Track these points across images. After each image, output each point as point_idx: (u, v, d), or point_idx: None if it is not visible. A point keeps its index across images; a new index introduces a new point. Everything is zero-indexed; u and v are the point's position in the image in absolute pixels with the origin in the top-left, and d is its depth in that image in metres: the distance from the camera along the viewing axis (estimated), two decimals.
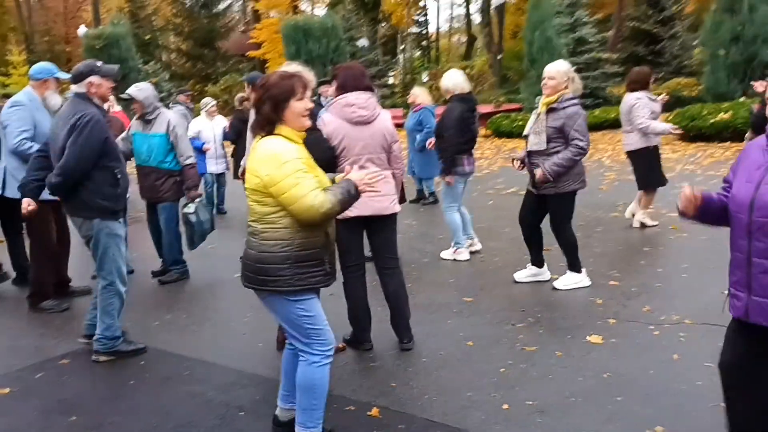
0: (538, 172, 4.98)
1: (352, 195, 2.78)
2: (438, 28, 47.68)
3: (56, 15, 39.43)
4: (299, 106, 2.76)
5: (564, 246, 5.28)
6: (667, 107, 8.57)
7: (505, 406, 3.40)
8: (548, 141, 4.95)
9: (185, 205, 5.77)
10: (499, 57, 30.35)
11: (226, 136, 9.16)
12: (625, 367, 3.77)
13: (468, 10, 42.47)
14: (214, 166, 9.11)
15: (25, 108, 5.13)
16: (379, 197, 3.91)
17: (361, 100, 3.92)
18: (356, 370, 3.98)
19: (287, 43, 21.15)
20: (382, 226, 4.13)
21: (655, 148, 7.10)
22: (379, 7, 35.86)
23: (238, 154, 8.08)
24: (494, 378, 3.75)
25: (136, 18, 32.35)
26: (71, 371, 4.17)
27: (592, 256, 6.04)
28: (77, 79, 4.12)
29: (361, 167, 3.88)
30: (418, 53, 43.68)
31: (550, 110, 4.97)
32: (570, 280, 5.25)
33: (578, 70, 19.46)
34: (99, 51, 21.16)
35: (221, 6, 36.45)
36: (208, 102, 9.45)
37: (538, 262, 5.45)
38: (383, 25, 38.30)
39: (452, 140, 5.98)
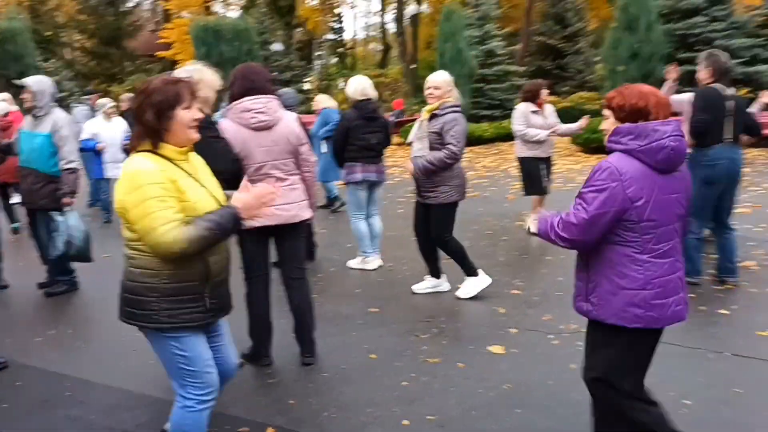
0: (410, 167, 5.09)
1: (225, 228, 2.38)
2: (354, 36, 47.84)
3: None
4: (186, 116, 2.38)
5: (451, 254, 5.29)
6: (569, 119, 8.90)
7: (405, 422, 3.32)
8: (430, 147, 5.01)
9: (59, 213, 5.24)
10: (412, 66, 30.70)
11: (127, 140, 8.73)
12: (525, 378, 3.78)
13: (383, 19, 42.81)
14: (112, 170, 8.61)
15: None
16: (286, 205, 3.76)
17: (258, 105, 3.72)
18: (253, 387, 3.80)
19: (197, 45, 20.51)
20: (289, 234, 3.96)
21: (539, 159, 7.39)
22: (294, 12, 35.55)
23: None
24: (396, 392, 3.67)
25: (36, 13, 30.66)
26: None
27: (497, 265, 6.09)
28: None
29: (265, 175, 3.72)
30: (334, 60, 43.61)
31: (432, 117, 5.06)
32: (471, 287, 5.27)
33: (488, 82, 19.85)
34: None
35: (129, 4, 35.14)
36: (106, 103, 8.99)
37: (435, 272, 5.43)
38: (299, 30, 37.99)
39: (336, 146, 6.17)
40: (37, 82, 5.29)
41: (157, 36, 32.79)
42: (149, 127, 2.37)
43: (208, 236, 2.33)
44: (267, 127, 3.74)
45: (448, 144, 4.91)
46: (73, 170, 5.32)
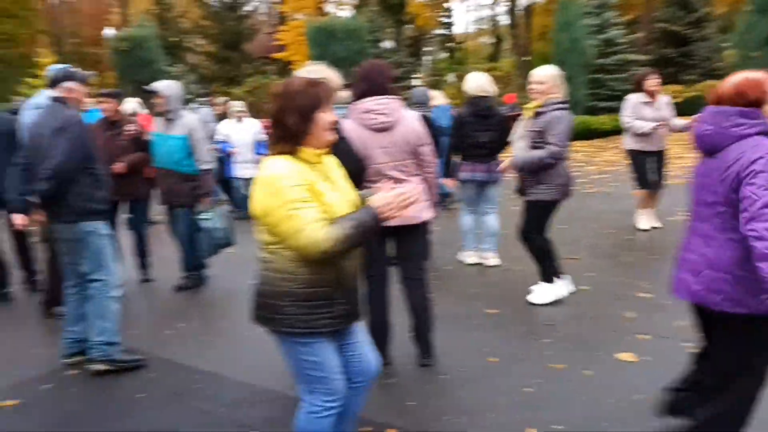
0: (506, 164, 4.92)
1: (368, 227, 2.32)
2: (465, 30, 47.37)
3: (84, 17, 39.89)
4: (326, 118, 2.37)
5: (534, 253, 5.05)
6: (697, 109, 8.33)
7: (531, 430, 3.20)
8: (531, 146, 4.80)
9: (200, 212, 5.59)
10: (526, 59, 30.01)
11: (258, 145, 8.98)
12: (658, 388, 3.53)
13: (494, 11, 42.14)
14: (242, 170, 8.92)
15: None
16: None
17: (379, 106, 3.69)
18: (372, 387, 3.78)
19: (312, 45, 21.04)
20: (410, 234, 3.90)
21: (647, 153, 7.05)
22: (404, 8, 35.67)
23: None
24: (519, 398, 3.54)
25: (163, 20, 32.52)
26: (78, 382, 4.04)
27: (620, 266, 5.80)
28: (53, 84, 4.08)
29: (385, 176, 3.68)
30: (443, 55, 43.40)
31: (536, 114, 4.83)
32: (545, 293, 5.04)
33: (606, 72, 19.03)
34: (125, 53, 21.29)
35: (247, 8, 36.55)
36: (236, 105, 9.27)
37: (552, 275, 5.18)
38: (408, 26, 38.10)
39: (451, 143, 6.11)
40: (167, 87, 5.57)
41: (272, 38, 33.92)
42: (290, 130, 2.35)
43: (352, 235, 2.29)
44: (387, 128, 3.70)
45: (551, 144, 4.68)
46: (208, 171, 5.63)
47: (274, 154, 2.39)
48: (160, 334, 4.78)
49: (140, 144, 5.93)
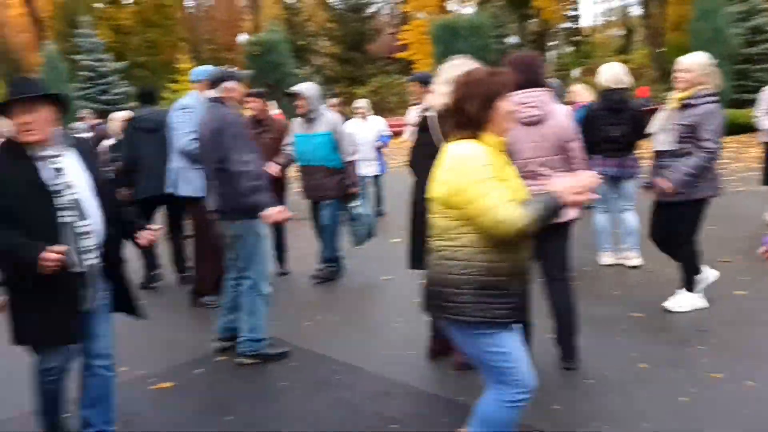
0: (664, 183, 4.39)
1: (552, 210, 2.32)
2: (591, 22, 45.65)
3: (220, 24, 42.19)
4: (506, 106, 2.40)
5: (684, 261, 4.66)
6: None
7: None
8: (679, 141, 4.40)
9: (350, 202, 5.81)
10: (660, 50, 28.44)
11: (383, 139, 9.14)
12: None
13: (625, 1, 40.28)
14: (365, 168, 9.05)
15: (191, 111, 5.27)
16: None
17: (530, 98, 3.57)
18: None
19: (436, 43, 21.06)
20: (554, 233, 3.72)
21: None
22: (528, 3, 34.90)
23: None
24: (674, 407, 3.32)
25: (292, 24, 33.82)
26: (227, 369, 4.23)
27: None
28: (214, 84, 4.22)
29: (532, 172, 3.57)
30: (569, 49, 42.04)
31: (684, 106, 4.41)
32: (683, 302, 4.65)
33: (753, 62, 17.71)
34: (258, 57, 22.27)
35: (371, 10, 37.20)
36: (360, 103, 9.45)
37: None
38: (533, 21, 37.25)
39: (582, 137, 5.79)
40: (308, 89, 5.80)
41: (395, 38, 34.32)
42: (471, 118, 2.39)
43: (543, 216, 2.30)
44: (537, 122, 3.59)
45: (705, 142, 4.28)
46: (353, 162, 5.87)
47: (453, 140, 2.43)
48: (299, 326, 4.92)
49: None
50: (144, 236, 3.17)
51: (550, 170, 3.61)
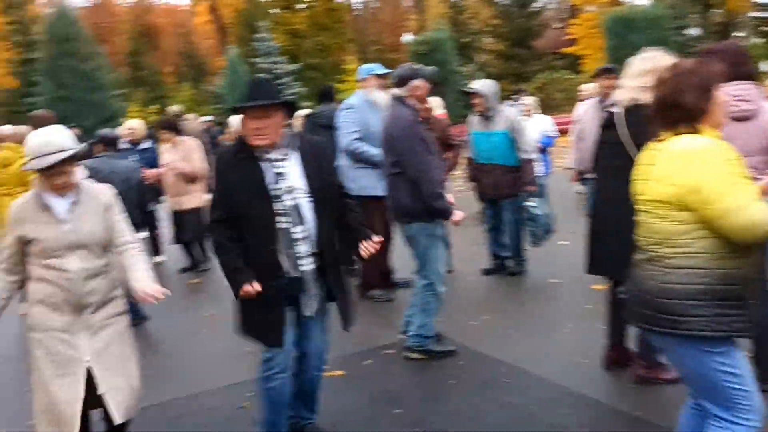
0: None
1: None
2: None
3: (385, 25, 43.28)
4: (721, 96, 2.23)
5: None
6: None
7: None
8: None
9: (527, 200, 5.70)
10: None
11: (545, 141, 8.79)
12: None
13: None
14: None
15: (355, 110, 5.42)
16: None
17: (742, 92, 3.22)
18: None
19: (608, 37, 20.06)
20: None
21: None
22: None
23: None
24: None
25: (456, 23, 33.83)
26: (396, 362, 4.30)
27: None
28: (402, 82, 4.20)
29: None
30: (757, 40, 38.31)
31: None
32: None
33: None
34: (423, 56, 22.49)
35: (537, 5, 36.27)
36: (528, 101, 9.19)
37: None
38: (716, 11, 34.36)
39: None
40: (486, 87, 5.78)
41: (562, 33, 33.19)
42: (689, 110, 2.19)
43: None
44: (746, 118, 3.25)
45: None
46: (531, 160, 5.79)
47: (668, 137, 2.25)
48: (466, 325, 4.88)
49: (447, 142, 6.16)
50: (366, 247, 3.06)
51: (756, 171, 3.25)
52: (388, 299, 5.57)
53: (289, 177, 2.93)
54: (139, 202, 5.42)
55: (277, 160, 2.93)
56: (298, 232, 2.91)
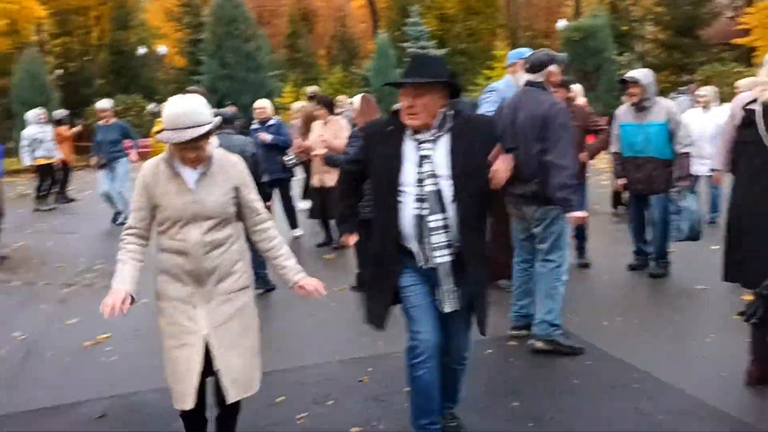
0: None
1: None
2: None
3: (539, 11, 42.00)
4: None
5: None
6: None
7: None
8: None
9: (677, 195, 5.40)
10: None
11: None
12: None
13: None
14: (698, 165, 7.86)
15: (496, 93, 5.27)
16: None
17: None
18: None
19: None
20: None
21: None
22: None
23: None
24: None
25: (615, 9, 32.16)
26: (518, 354, 4.20)
27: None
28: (537, 68, 4.09)
29: None
30: None
31: None
32: None
33: None
34: (576, 43, 21.65)
35: None
36: (706, 91, 8.25)
37: None
38: None
39: None
40: (645, 76, 5.55)
41: (734, 23, 30.55)
42: None
43: None
44: None
45: None
46: (688, 154, 5.46)
47: None
48: (597, 324, 4.67)
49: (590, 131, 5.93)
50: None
51: None
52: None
53: (434, 160, 2.73)
54: (254, 173, 5.62)
55: (425, 141, 2.75)
56: (435, 220, 2.72)
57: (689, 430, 3.17)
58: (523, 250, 4.36)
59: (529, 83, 4.14)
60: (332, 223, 7.46)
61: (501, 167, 2.72)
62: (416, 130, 2.75)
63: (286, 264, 2.84)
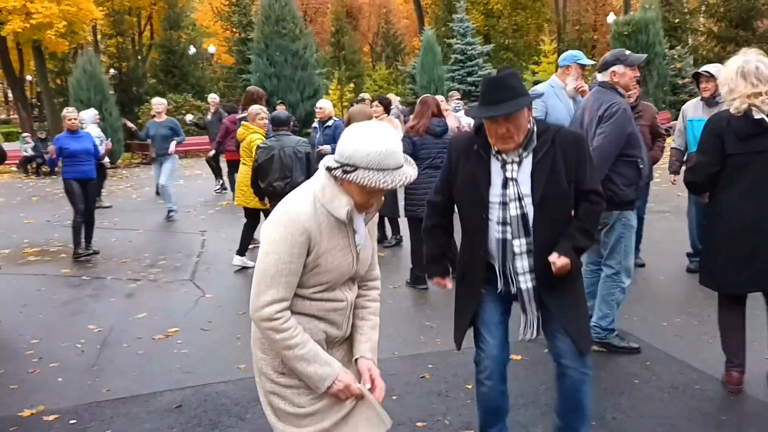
0: None
1: None
2: None
3: (587, 4, 41.33)
4: None
5: None
6: None
7: None
8: None
9: None
10: None
11: None
12: None
13: None
14: None
15: (544, 98, 5.15)
16: None
17: None
18: None
19: None
20: None
21: None
22: None
23: None
24: None
25: (667, 2, 31.47)
26: None
27: None
28: (602, 68, 4.10)
29: None
30: None
31: None
32: None
33: None
34: (626, 37, 21.31)
35: None
36: None
37: None
38: None
39: None
40: (719, 71, 5.39)
41: None
42: None
43: None
44: None
45: None
46: None
47: None
48: (657, 325, 4.69)
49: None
50: (553, 261, 2.58)
51: None
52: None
53: (520, 182, 2.60)
54: (306, 170, 6.03)
55: (511, 162, 2.62)
56: (519, 245, 2.63)
57: (750, 429, 3.19)
58: (592, 253, 4.37)
59: (600, 84, 4.14)
60: (386, 221, 7.58)
61: (558, 263, 2.57)
62: (500, 151, 2.62)
63: (371, 335, 2.29)
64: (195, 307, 5.68)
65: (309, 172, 6.01)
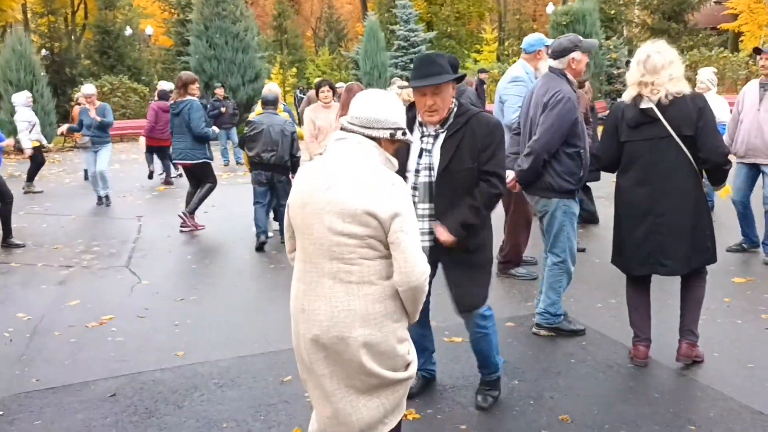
0: None
1: None
2: None
3: None
4: None
5: None
6: None
7: None
8: None
9: None
10: None
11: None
12: None
13: None
14: None
15: (523, 83, 5.21)
16: None
17: None
18: None
19: None
20: None
21: None
22: None
23: None
24: None
25: None
26: (518, 335, 4.34)
27: None
28: (560, 54, 4.03)
29: None
30: None
31: None
32: None
33: None
34: (564, 27, 21.69)
35: None
36: (705, 76, 7.86)
37: None
38: None
39: None
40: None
41: (722, 8, 30.74)
42: None
43: None
44: None
45: None
46: None
47: None
48: (591, 306, 4.82)
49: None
50: (440, 231, 3.00)
51: None
52: (533, 278, 5.47)
53: (433, 155, 3.00)
54: (291, 148, 6.90)
55: (428, 136, 3.03)
56: (422, 209, 3.00)
57: (686, 410, 3.30)
58: (546, 241, 4.35)
59: (550, 69, 4.11)
60: None
61: (441, 239, 2.98)
62: (421, 123, 3.02)
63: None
64: (131, 294, 5.51)
65: (293, 149, 6.93)
